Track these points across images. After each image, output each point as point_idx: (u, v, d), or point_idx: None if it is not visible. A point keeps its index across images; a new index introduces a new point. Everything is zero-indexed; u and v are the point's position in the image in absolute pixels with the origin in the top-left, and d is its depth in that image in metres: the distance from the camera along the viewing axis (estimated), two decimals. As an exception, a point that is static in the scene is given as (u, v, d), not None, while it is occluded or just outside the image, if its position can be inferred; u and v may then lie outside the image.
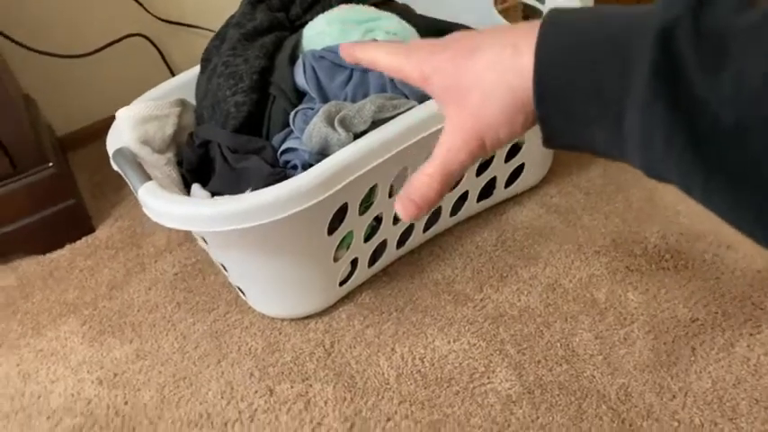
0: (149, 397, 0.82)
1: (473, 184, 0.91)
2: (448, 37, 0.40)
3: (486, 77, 0.35)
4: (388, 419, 0.75)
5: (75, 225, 1.07)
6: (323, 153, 0.74)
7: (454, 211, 0.92)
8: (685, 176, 0.29)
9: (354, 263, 0.85)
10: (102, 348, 0.88)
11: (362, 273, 0.87)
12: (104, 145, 0.83)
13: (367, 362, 0.81)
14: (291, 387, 0.80)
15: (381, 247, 0.87)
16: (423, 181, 0.39)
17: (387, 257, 0.89)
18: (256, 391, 0.80)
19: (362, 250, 0.85)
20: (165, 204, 0.71)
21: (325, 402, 0.78)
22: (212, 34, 0.92)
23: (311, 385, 0.80)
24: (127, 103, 0.85)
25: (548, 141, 0.35)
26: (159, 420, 0.79)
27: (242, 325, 0.88)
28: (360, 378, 0.80)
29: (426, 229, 0.92)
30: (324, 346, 0.84)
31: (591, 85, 0.31)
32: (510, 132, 0.36)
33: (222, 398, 0.80)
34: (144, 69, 1.26)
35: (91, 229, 1.08)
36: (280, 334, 0.86)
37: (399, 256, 0.92)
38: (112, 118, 0.85)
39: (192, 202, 0.71)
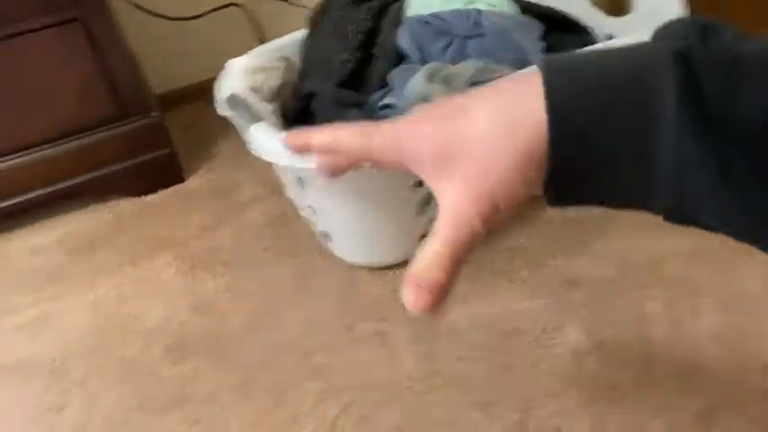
0: (237, 324, 0.88)
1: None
2: (419, 109, 0.36)
3: (487, 132, 0.32)
4: (460, 359, 0.80)
5: (168, 174, 1.15)
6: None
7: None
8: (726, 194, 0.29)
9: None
10: (194, 281, 0.96)
11: (442, 230, 0.93)
12: (197, 106, 0.90)
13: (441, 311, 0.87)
14: (369, 325, 0.86)
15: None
16: (430, 261, 0.33)
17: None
18: (336, 327, 0.86)
19: (445, 208, 0.90)
20: (275, 141, 0.78)
21: (401, 341, 0.83)
22: (304, 10, 0.99)
23: (388, 326, 0.85)
24: (219, 69, 0.91)
25: (558, 198, 0.33)
26: (246, 345, 0.86)
27: (324, 270, 0.94)
28: (434, 324, 0.85)
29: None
30: (400, 293, 0.90)
31: (613, 122, 0.29)
32: (525, 187, 0.32)
33: (304, 331, 0.86)
34: (237, 39, 1.35)
35: (182, 180, 1.16)
36: (359, 280, 0.92)
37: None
38: (207, 81, 0.92)
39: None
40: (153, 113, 1.11)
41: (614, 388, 0.75)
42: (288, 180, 0.95)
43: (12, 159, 1.04)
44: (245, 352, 0.85)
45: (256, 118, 0.82)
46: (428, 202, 0.87)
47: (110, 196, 1.13)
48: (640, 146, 0.29)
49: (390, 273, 0.93)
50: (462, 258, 0.33)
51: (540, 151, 0.31)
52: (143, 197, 1.13)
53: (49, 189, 1.08)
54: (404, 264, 0.93)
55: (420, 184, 0.83)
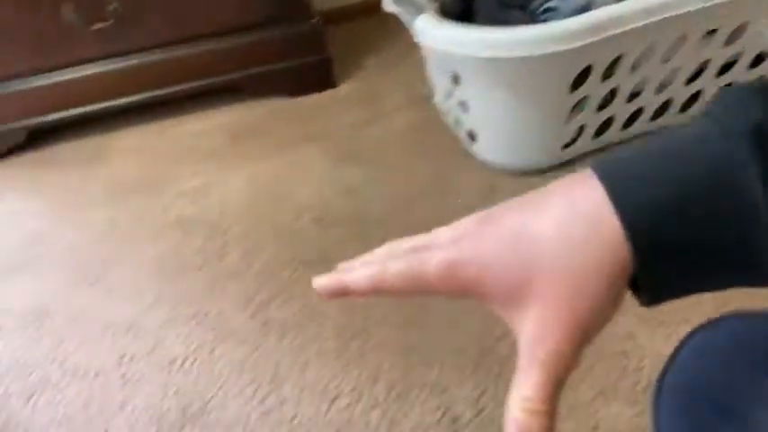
0: (378, 208, 0.95)
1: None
2: (466, 221, 0.33)
3: (563, 256, 0.30)
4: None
5: (321, 78, 1.23)
6: (584, 12, 0.83)
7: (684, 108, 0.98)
8: None
9: (581, 130, 0.94)
10: (340, 170, 1.03)
11: (585, 142, 0.96)
12: (355, 23, 0.95)
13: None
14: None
15: (608, 122, 0.95)
16: (530, 415, 0.30)
17: (609, 135, 0.97)
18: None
19: (592, 119, 0.93)
20: (440, 30, 0.83)
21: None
22: None
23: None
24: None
25: (654, 298, 0.31)
26: (387, 224, 0.92)
27: (464, 171, 0.99)
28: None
29: (653, 119, 0.98)
30: (539, 198, 0.93)
31: (698, 223, 0.29)
32: (613, 306, 0.31)
33: (440, 222, 0.92)
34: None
35: (334, 85, 1.24)
36: (498, 182, 0.96)
37: (621, 140, 0.99)
38: (364, 4, 0.96)
39: (465, 27, 0.83)
40: (312, 20, 1.19)
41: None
42: (440, 81, 1.00)
43: (179, 48, 1.15)
44: (386, 231, 0.91)
45: (420, 11, 0.88)
46: (581, 107, 0.90)
47: (266, 94, 1.22)
48: (735, 237, 0.28)
49: (528, 178, 0.96)
50: (559, 395, 0.30)
51: (625, 268, 0.29)
52: (296, 98, 1.21)
53: (211, 80, 1.18)
54: (545, 171, 0.97)
55: (576, 86, 0.86)
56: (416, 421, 0.69)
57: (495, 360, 0.73)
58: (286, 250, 0.90)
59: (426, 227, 0.93)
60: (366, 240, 0.90)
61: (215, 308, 0.83)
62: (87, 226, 0.98)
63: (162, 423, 0.71)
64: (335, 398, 0.72)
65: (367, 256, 0.35)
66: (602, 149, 0.99)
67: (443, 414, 0.69)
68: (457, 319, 0.78)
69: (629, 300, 0.30)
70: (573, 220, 0.30)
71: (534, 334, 0.31)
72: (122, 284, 0.88)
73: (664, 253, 0.29)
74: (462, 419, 0.68)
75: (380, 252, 0.34)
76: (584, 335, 0.30)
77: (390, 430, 0.68)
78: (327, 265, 0.86)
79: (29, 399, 0.75)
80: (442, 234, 0.34)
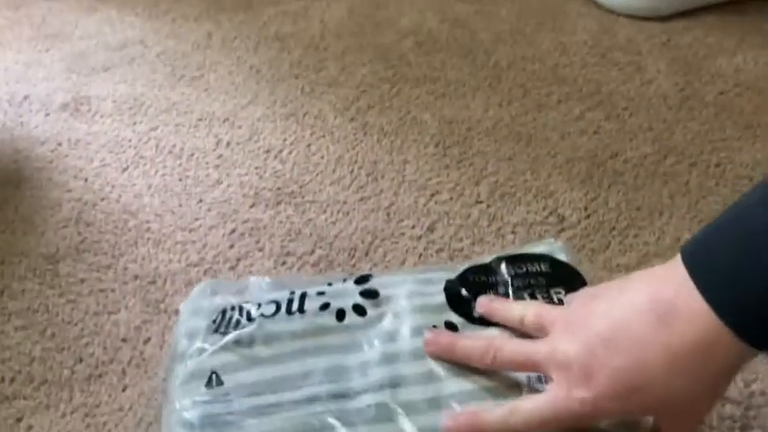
0: (485, 37, 0.91)
1: None
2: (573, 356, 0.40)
3: (677, 392, 0.37)
4: (721, 93, 0.78)
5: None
6: None
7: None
8: None
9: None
10: (447, 1, 0.99)
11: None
12: None
13: (705, 59, 0.84)
14: (624, 56, 0.85)
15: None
16: None
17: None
18: (586, 53, 0.86)
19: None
20: None
21: (657, 71, 0.82)
22: None
23: (643, 60, 0.84)
24: None
25: None
26: (495, 53, 0.88)
27: (579, 10, 0.94)
28: (694, 62, 0.83)
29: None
30: (660, 40, 0.88)
31: None
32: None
33: (554, 51, 0.87)
34: None
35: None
36: (613, 24, 0.91)
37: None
38: None
39: None
40: None
41: None
42: None
43: None
44: (493, 58, 0.88)
45: None
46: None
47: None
48: None
49: (648, 25, 0.91)
50: None
51: (734, 369, 0.37)
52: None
53: None
54: (665, 18, 0.91)
55: None
56: (521, 218, 0.66)
57: (607, 174, 0.70)
58: (386, 68, 0.87)
59: (533, 58, 0.90)
60: (472, 65, 0.86)
61: (313, 110, 0.81)
62: (184, 36, 0.97)
63: (258, 198, 0.70)
64: (435, 193, 0.70)
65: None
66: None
67: (550, 213, 0.66)
68: (569, 134, 0.75)
69: None
70: (684, 351, 0.36)
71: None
72: (218, 85, 0.87)
73: None
74: (570, 220, 0.65)
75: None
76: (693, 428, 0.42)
77: (492, 224, 0.66)
78: (430, 84, 0.84)
79: (124, 170, 0.75)
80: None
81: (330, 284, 0.51)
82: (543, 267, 0.50)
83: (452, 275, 0.50)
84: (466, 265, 0.51)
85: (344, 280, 0.51)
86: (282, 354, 0.46)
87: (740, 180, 0.67)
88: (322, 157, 0.75)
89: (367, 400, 0.43)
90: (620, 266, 0.60)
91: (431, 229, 0.66)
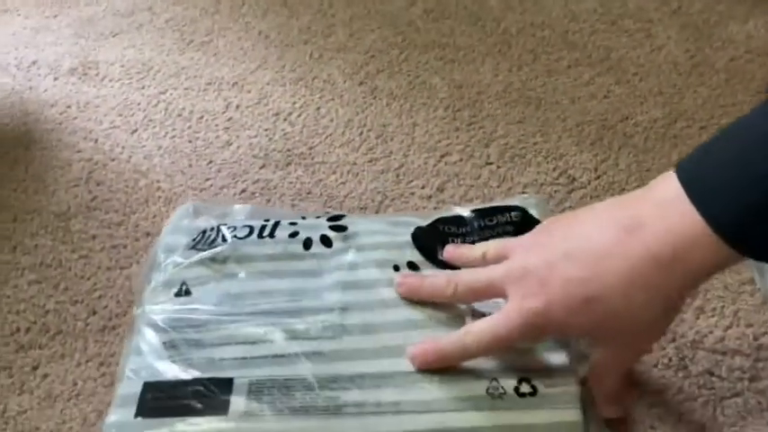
0: (495, 5, 0.91)
1: None
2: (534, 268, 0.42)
3: (627, 312, 0.38)
4: (732, 59, 0.78)
5: None
6: None
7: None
8: None
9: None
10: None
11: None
12: None
13: (715, 26, 0.84)
14: (634, 24, 0.85)
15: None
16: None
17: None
18: (596, 20, 0.86)
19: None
20: None
21: (668, 37, 0.83)
22: None
23: (653, 27, 0.85)
24: None
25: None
26: (504, 21, 0.88)
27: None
28: (704, 27, 0.83)
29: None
30: (670, 8, 0.88)
31: None
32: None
33: (564, 16, 0.88)
34: None
35: None
36: None
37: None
38: None
39: None
40: None
41: None
42: None
43: None
44: (502, 25, 0.88)
45: None
46: None
47: None
48: None
49: None
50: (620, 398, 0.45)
51: (695, 283, 0.39)
52: None
53: None
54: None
55: None
56: (531, 179, 0.67)
57: (617, 137, 0.70)
58: (395, 34, 0.87)
59: (542, 25, 0.89)
60: (481, 31, 0.87)
61: (321, 74, 0.82)
62: (192, 2, 0.97)
63: (267, 159, 0.71)
64: (445, 154, 0.70)
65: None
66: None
67: (560, 174, 0.67)
68: (579, 98, 0.75)
69: None
70: (645, 262, 0.37)
71: (594, 374, 0.43)
72: (227, 50, 0.87)
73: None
74: (580, 180, 0.66)
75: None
76: (637, 353, 0.43)
77: (502, 185, 0.66)
78: (440, 50, 0.84)
79: (133, 132, 0.76)
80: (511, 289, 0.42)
81: (304, 218, 0.56)
82: (513, 217, 0.52)
83: (423, 223, 0.53)
84: (437, 215, 0.54)
85: (318, 216, 0.56)
86: (250, 273, 0.51)
87: (750, 143, 0.68)
88: (331, 120, 0.75)
89: (317, 319, 0.47)
90: (630, 225, 0.60)
91: (440, 189, 0.66)
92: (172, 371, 0.46)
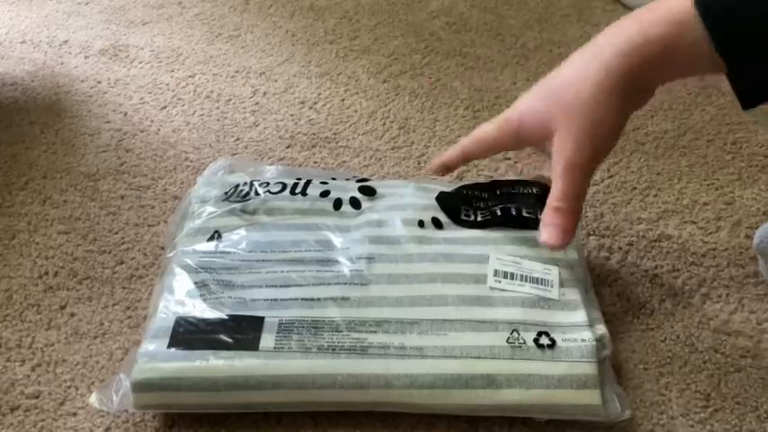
0: (514, 23, 0.97)
1: None
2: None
3: (576, 88, 0.44)
4: (739, 84, 0.84)
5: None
6: None
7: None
8: None
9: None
10: (476, -10, 1.05)
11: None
12: None
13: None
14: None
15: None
16: (551, 208, 0.47)
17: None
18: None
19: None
20: None
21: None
22: None
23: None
24: None
25: (753, 97, 0.42)
26: (522, 36, 0.94)
27: (605, 10, 1.00)
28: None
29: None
30: None
31: None
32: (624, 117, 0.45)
33: (583, 40, 0.93)
34: None
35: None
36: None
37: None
38: None
39: None
40: None
41: None
42: None
43: None
44: (521, 40, 0.93)
45: None
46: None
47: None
48: None
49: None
50: (579, 201, 0.47)
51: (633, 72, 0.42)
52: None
53: None
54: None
55: None
56: (547, 173, 0.70)
57: (629, 143, 0.75)
58: (417, 41, 0.92)
59: (559, 43, 0.95)
60: (501, 44, 0.92)
61: (346, 71, 0.86)
62: (221, 2, 1.02)
63: (293, 141, 0.74)
64: (465, 148, 0.74)
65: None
66: None
67: (575, 171, 0.70)
68: (593, 106, 0.79)
69: None
70: (618, 50, 0.42)
71: (555, 152, 0.44)
72: (255, 44, 0.92)
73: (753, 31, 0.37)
74: (593, 178, 0.70)
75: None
76: (594, 148, 0.44)
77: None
78: (460, 58, 0.89)
79: (163, 108, 0.79)
80: None
81: (334, 179, 0.59)
82: (535, 191, 0.56)
83: (448, 189, 0.58)
84: (461, 184, 0.59)
85: (347, 179, 0.59)
86: (280, 224, 0.54)
87: (755, 157, 0.72)
88: (355, 111, 0.79)
89: (344, 267, 0.51)
90: (642, 220, 0.64)
91: (460, 177, 0.70)
92: (203, 308, 0.48)
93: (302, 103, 0.80)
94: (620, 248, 0.61)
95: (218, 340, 0.46)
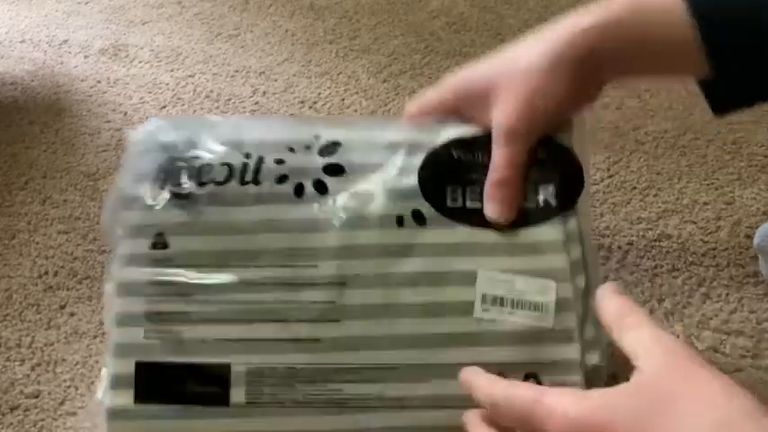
0: (514, 23, 0.97)
1: None
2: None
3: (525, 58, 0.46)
4: (739, 84, 0.84)
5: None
6: None
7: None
8: None
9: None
10: (476, -10, 1.05)
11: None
12: None
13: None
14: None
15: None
16: (493, 174, 0.44)
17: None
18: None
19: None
20: None
21: (679, 61, 0.88)
22: None
23: None
24: None
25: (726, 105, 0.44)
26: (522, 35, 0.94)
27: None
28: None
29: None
30: None
31: None
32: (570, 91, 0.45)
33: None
34: None
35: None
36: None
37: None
38: None
39: None
40: None
41: None
42: None
43: None
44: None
45: None
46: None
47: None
48: None
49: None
50: (520, 170, 0.44)
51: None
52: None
53: None
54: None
55: None
56: (546, 173, 0.71)
57: (629, 143, 0.75)
58: (418, 41, 0.92)
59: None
60: (501, 44, 0.91)
61: (346, 70, 0.86)
62: (220, 1, 1.02)
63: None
64: (464, 148, 0.74)
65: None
66: None
67: (575, 171, 0.71)
68: (592, 107, 0.80)
69: None
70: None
71: (495, 121, 0.43)
72: (254, 44, 0.92)
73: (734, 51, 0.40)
74: (593, 178, 0.70)
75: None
76: (531, 115, 0.42)
77: (519, 178, 0.70)
78: (461, 58, 0.88)
79: (162, 108, 0.80)
80: None
81: (292, 149, 0.47)
82: (539, 154, 0.45)
83: (431, 144, 0.47)
84: (452, 136, 0.47)
85: (307, 146, 0.47)
86: (233, 222, 0.45)
87: (755, 156, 0.72)
88: (355, 110, 0.79)
89: (313, 296, 0.43)
90: (641, 219, 0.65)
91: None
92: (163, 350, 0.43)
93: (302, 102, 0.80)
94: (619, 248, 0.61)
95: (185, 393, 0.43)
